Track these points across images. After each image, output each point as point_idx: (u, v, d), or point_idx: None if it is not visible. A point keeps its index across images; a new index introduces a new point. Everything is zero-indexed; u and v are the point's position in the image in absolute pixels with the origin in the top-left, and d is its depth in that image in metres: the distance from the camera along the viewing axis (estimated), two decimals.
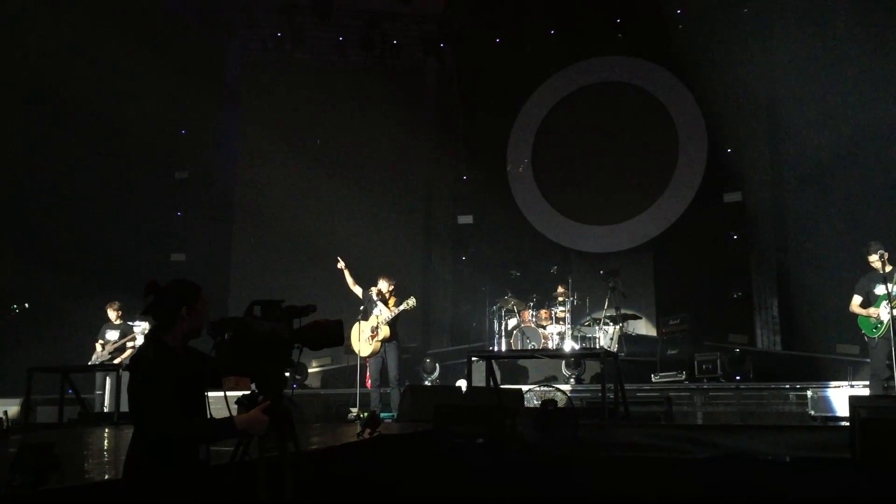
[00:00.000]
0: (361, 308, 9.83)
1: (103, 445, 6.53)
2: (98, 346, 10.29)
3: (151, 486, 3.09)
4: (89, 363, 10.19)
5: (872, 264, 8.28)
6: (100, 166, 12.69)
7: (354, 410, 9.70)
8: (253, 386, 3.31)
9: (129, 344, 10.20)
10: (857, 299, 8.43)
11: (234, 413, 3.21)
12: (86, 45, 12.07)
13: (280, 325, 3.29)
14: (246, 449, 3.28)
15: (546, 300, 11.46)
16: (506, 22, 14.66)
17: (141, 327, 10.20)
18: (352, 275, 10.02)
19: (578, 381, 10.90)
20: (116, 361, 10.05)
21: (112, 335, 10.34)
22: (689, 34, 13.31)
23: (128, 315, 10.53)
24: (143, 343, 3.28)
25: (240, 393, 3.29)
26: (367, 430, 6.15)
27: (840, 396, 8.75)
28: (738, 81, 13.11)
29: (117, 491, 3.28)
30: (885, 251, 8.17)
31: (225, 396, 3.36)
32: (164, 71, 12.81)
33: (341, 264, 9.98)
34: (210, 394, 3.38)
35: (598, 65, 14.71)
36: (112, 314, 10.48)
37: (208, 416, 3.30)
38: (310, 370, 12.55)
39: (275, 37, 14.86)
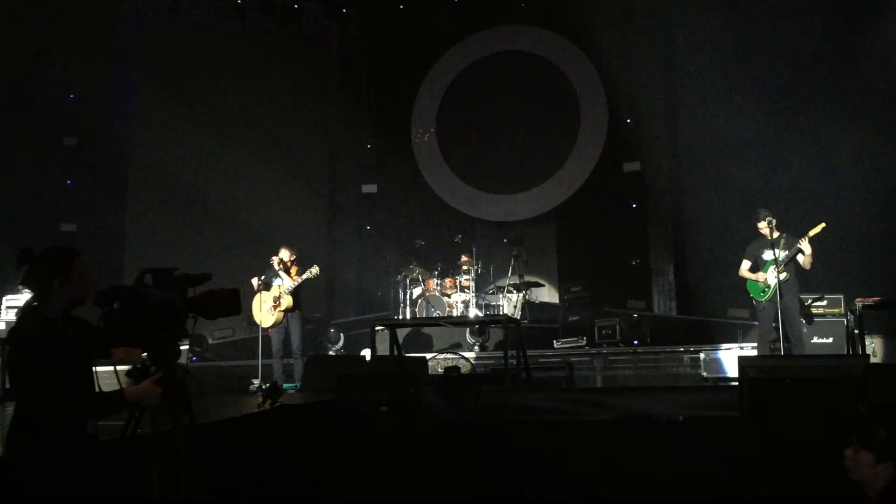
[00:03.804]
0: (262, 278, 9.65)
1: None
2: None
3: (34, 463, 2.95)
4: None
5: (761, 230, 8.60)
6: None
7: (256, 382, 9.54)
8: (145, 356, 3.20)
9: None
10: (745, 264, 8.77)
11: (125, 385, 3.09)
12: None
13: (173, 295, 3.18)
14: (138, 422, 3.18)
15: (451, 269, 11.53)
16: None
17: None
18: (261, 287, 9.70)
19: (483, 348, 11.02)
20: None
21: None
22: (589, 4, 13.43)
23: None
24: (21, 315, 3.11)
25: (129, 366, 3.18)
26: (269, 401, 6.07)
27: (730, 358, 9.18)
28: (637, 52, 13.34)
29: None
30: (773, 218, 8.50)
31: (115, 368, 3.24)
32: (51, 32, 12.13)
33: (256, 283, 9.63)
34: (98, 367, 3.25)
35: (502, 34, 14.71)
36: None
37: (96, 389, 3.18)
38: (210, 342, 12.26)
39: None
